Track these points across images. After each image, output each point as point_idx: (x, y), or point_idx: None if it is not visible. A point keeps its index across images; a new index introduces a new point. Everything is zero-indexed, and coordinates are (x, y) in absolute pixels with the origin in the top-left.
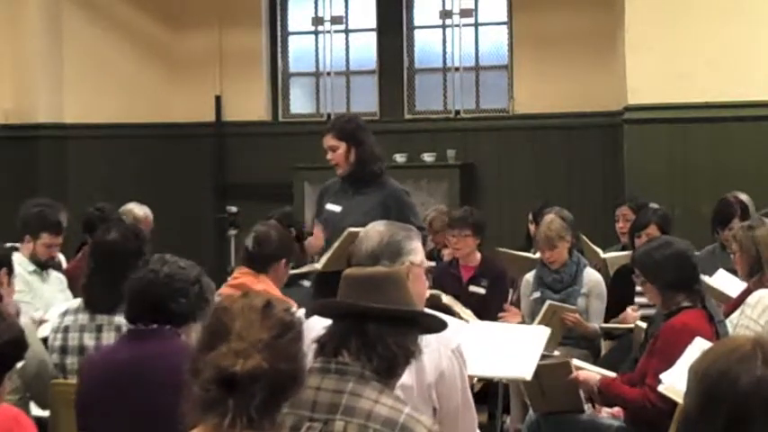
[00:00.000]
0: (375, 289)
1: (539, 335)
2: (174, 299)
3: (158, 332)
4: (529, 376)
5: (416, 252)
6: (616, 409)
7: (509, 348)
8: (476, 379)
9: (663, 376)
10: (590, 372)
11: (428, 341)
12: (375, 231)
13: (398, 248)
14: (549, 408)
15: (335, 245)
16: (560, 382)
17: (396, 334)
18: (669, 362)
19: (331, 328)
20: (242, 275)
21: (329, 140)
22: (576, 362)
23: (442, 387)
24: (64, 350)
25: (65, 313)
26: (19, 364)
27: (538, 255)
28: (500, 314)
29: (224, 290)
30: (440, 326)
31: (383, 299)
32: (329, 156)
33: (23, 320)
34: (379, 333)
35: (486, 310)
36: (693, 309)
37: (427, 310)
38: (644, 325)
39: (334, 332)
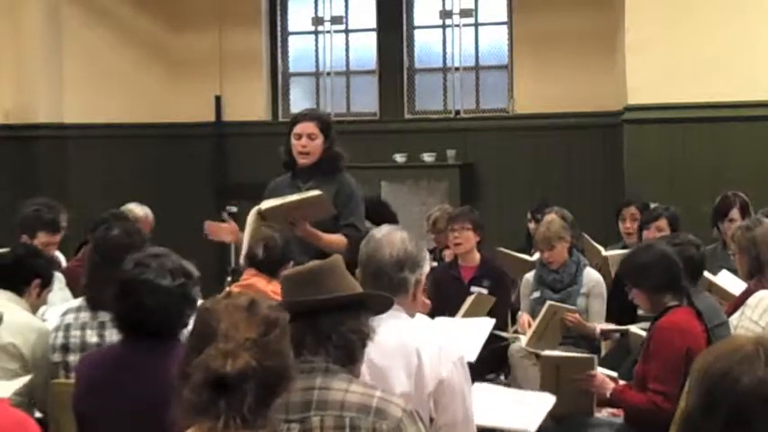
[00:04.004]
0: (317, 282)
1: (545, 400)
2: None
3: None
4: (533, 429)
5: (428, 262)
6: (616, 409)
7: (514, 406)
8: None
9: None
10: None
11: (430, 350)
12: (399, 239)
13: (417, 259)
14: (561, 409)
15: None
16: (577, 380)
17: (347, 320)
18: (665, 362)
19: None
20: (251, 276)
21: (310, 128)
22: None
23: (440, 396)
24: (66, 348)
25: (65, 312)
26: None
27: (536, 257)
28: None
29: (233, 290)
30: (387, 303)
31: (326, 290)
32: (303, 142)
33: (44, 326)
34: (332, 323)
35: (491, 310)
36: (680, 307)
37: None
38: (639, 331)
39: (290, 332)
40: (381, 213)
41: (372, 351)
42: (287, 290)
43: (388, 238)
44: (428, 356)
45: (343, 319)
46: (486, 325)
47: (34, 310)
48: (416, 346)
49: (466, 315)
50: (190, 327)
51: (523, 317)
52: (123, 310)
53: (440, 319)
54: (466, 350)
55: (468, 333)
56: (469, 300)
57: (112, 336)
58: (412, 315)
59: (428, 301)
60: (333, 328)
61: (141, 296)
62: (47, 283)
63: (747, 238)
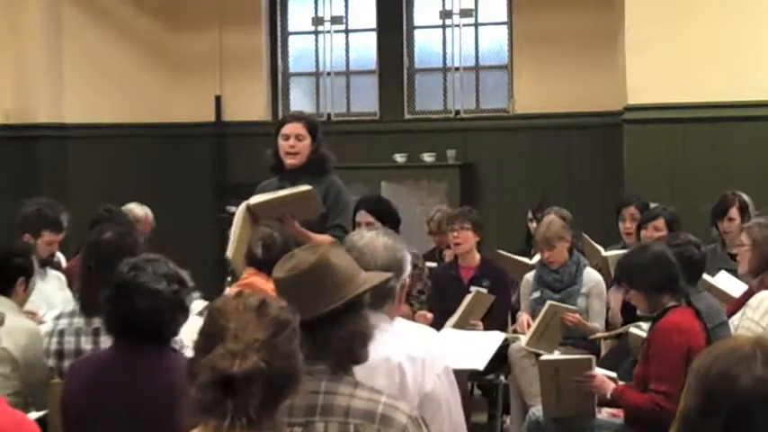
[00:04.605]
0: (309, 285)
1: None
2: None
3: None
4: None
5: (410, 263)
6: (616, 409)
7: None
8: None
9: None
10: (605, 376)
11: (414, 364)
12: (381, 246)
13: (401, 264)
14: (562, 413)
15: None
16: (576, 381)
17: (347, 323)
18: (666, 362)
19: None
20: (251, 275)
21: (299, 129)
22: None
23: (425, 410)
24: (60, 354)
25: (59, 317)
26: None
27: (535, 259)
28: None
29: (233, 290)
30: (382, 285)
31: (320, 293)
32: (291, 142)
33: (34, 327)
34: (330, 330)
35: (491, 310)
36: (679, 307)
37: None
38: (637, 331)
39: None
40: (383, 210)
41: (357, 370)
42: (281, 295)
43: (371, 246)
44: (411, 372)
45: (344, 322)
46: (496, 338)
47: (22, 306)
48: (399, 362)
49: (465, 312)
50: (180, 335)
51: (523, 317)
52: (116, 312)
53: (448, 332)
54: (475, 360)
55: (477, 345)
56: (468, 297)
57: (107, 342)
58: (393, 317)
59: (430, 315)
60: (334, 332)
61: (135, 299)
62: (30, 276)
63: (765, 234)
